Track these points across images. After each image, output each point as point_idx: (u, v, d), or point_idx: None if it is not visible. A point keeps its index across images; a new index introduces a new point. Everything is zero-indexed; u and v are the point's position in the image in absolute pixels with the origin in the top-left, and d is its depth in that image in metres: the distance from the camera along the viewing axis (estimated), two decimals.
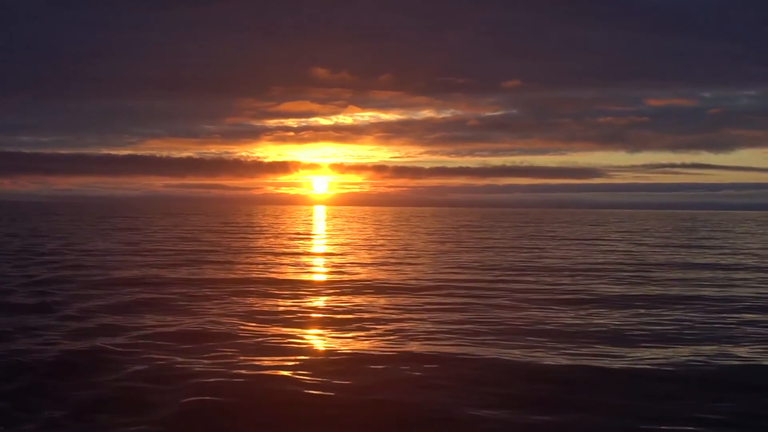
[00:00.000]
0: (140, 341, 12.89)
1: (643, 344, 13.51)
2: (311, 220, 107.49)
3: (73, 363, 11.26)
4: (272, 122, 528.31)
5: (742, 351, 12.90)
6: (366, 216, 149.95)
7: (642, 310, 17.59)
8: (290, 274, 25.87)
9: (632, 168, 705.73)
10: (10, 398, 9.65)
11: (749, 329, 15.16)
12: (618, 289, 21.80)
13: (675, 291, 21.43)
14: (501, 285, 22.56)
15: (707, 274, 27.17)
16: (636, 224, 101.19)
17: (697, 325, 15.54)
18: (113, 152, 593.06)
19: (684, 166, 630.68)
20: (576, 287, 22.29)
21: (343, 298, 19.46)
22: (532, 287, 22.19)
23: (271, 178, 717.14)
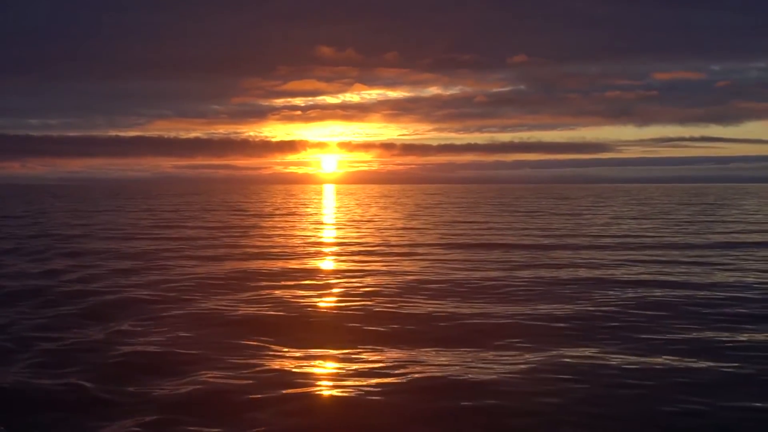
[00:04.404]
0: None
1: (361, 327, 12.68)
2: (298, 199, 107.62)
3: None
4: (279, 101, 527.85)
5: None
6: (368, 193, 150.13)
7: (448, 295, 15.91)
8: (185, 249, 26.37)
9: (641, 142, 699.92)
10: None
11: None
12: (460, 275, 19.20)
13: (524, 273, 20.35)
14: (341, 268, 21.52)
15: (616, 253, 26.87)
16: (626, 198, 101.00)
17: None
18: (121, 134, 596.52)
19: (693, 139, 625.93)
20: (425, 269, 20.62)
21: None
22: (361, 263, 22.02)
23: (279, 158, 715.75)
